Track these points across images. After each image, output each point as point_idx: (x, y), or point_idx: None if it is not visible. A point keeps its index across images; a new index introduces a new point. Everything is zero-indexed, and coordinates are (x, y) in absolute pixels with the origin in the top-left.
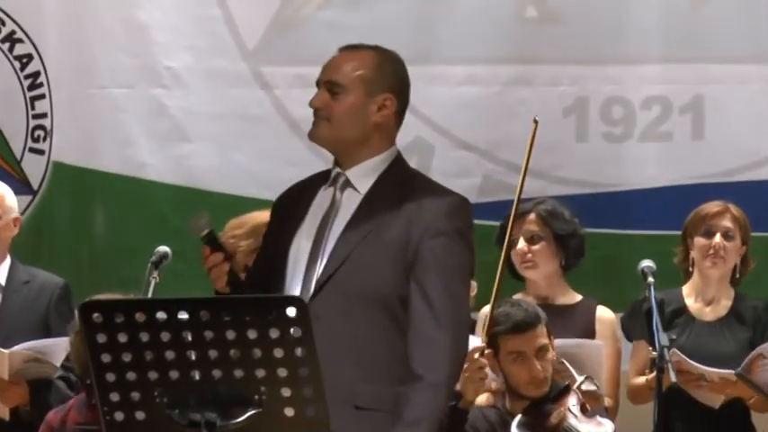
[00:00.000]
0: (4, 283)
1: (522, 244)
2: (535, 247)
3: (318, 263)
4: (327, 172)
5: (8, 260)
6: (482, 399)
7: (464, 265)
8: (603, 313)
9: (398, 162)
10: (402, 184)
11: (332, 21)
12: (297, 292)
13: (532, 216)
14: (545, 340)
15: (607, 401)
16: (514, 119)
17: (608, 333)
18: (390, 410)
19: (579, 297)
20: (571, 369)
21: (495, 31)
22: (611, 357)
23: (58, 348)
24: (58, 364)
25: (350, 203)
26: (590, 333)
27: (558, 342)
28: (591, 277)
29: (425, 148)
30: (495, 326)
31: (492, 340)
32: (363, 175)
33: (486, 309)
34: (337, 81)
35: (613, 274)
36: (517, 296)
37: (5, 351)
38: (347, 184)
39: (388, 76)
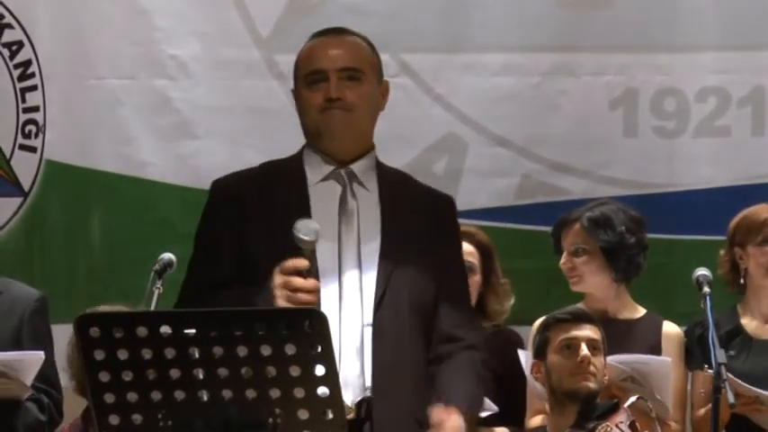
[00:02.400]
0: None
1: (564, 257)
2: (578, 261)
3: (358, 270)
4: (279, 164)
5: None
6: (537, 420)
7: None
8: (671, 329)
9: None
10: (400, 181)
11: (353, 4)
12: (333, 300)
13: (577, 226)
14: (598, 338)
15: (673, 426)
16: (556, 112)
17: (675, 352)
18: None
19: (643, 311)
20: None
21: (533, 14)
22: (678, 380)
23: (28, 364)
24: (29, 382)
25: (366, 203)
26: (655, 351)
27: (621, 357)
28: (641, 287)
29: (458, 146)
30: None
31: (541, 346)
32: (366, 171)
33: (539, 323)
34: (356, 67)
35: (665, 284)
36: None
37: None
38: (353, 179)
39: (380, 63)
